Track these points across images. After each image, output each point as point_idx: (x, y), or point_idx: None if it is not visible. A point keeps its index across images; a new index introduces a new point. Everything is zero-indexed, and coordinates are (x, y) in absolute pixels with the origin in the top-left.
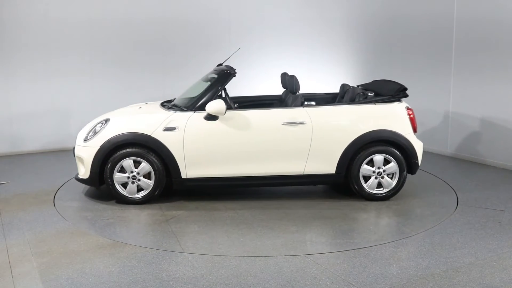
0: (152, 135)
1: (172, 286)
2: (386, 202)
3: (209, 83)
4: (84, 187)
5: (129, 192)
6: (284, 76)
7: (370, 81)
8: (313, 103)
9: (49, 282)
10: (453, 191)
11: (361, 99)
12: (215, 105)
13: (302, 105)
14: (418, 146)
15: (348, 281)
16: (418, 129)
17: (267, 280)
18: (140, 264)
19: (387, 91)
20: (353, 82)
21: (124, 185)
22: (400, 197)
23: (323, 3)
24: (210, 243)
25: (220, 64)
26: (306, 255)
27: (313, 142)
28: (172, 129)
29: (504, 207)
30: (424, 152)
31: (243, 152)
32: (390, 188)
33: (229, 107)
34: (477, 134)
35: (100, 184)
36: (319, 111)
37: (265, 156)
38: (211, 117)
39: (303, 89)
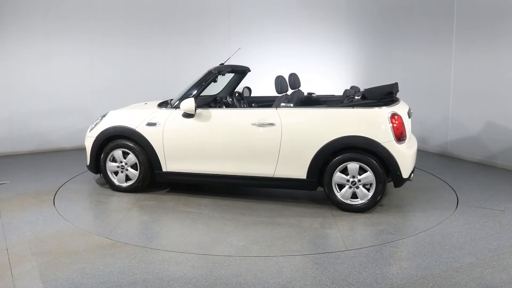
0: (137, 129)
1: (172, 286)
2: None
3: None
4: (83, 186)
5: (118, 180)
6: (289, 77)
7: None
8: (291, 104)
9: (49, 282)
10: (453, 191)
11: (347, 102)
12: (186, 104)
13: (278, 106)
14: (402, 156)
15: (348, 281)
16: (418, 129)
17: (267, 280)
18: (140, 264)
19: (374, 95)
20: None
21: (116, 173)
22: (400, 197)
23: None
24: (137, 233)
25: (222, 63)
26: (306, 255)
27: (282, 144)
28: (154, 124)
29: (504, 207)
30: (424, 152)
31: (215, 150)
32: (366, 199)
33: (220, 105)
34: (477, 134)
35: (99, 172)
36: (290, 113)
37: (236, 156)
38: (187, 115)
39: (321, 91)
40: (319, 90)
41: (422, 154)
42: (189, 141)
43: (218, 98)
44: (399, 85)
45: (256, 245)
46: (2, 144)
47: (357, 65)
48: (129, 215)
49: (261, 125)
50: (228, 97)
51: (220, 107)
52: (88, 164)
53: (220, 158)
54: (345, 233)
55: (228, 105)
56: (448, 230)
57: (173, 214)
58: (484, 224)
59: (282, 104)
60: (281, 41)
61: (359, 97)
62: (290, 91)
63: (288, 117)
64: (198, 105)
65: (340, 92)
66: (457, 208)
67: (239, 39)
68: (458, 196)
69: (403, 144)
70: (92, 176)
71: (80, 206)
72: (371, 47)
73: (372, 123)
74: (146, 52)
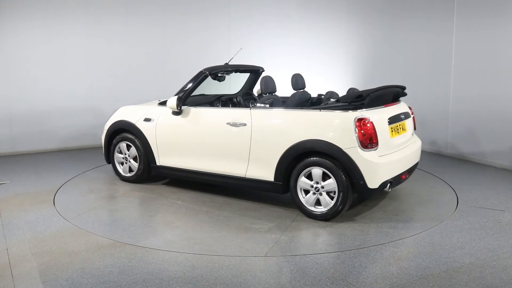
0: (136, 124)
1: (172, 286)
2: (365, 204)
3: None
4: (83, 186)
5: (123, 170)
6: (292, 77)
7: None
8: (268, 105)
9: (49, 282)
10: (453, 191)
11: (323, 104)
12: (170, 101)
13: (253, 106)
14: (368, 165)
15: (348, 281)
16: (418, 129)
17: (267, 280)
18: (140, 264)
19: (345, 98)
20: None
21: (123, 164)
22: (399, 197)
23: None
24: (95, 220)
25: (227, 63)
26: (306, 255)
27: (252, 145)
28: (149, 120)
29: (504, 207)
30: (424, 152)
31: (196, 148)
32: (328, 208)
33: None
34: (477, 134)
35: (110, 162)
36: (261, 114)
37: (212, 154)
38: (175, 113)
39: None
40: (324, 91)
41: (421, 153)
42: (176, 138)
43: (223, 97)
44: (398, 84)
45: (185, 241)
46: (2, 144)
47: (358, 60)
48: (106, 203)
49: (234, 124)
50: (238, 96)
51: (223, 106)
52: (103, 154)
53: (200, 156)
54: (283, 239)
55: (234, 105)
56: (448, 230)
57: (144, 206)
58: (484, 224)
59: (258, 104)
60: (283, 41)
61: (334, 100)
62: (292, 92)
63: (259, 117)
64: (198, 104)
65: (344, 93)
66: (457, 208)
67: (240, 38)
68: (458, 196)
69: (372, 151)
70: (92, 175)
71: (78, 204)
72: (371, 31)
73: (335, 128)
74: (146, 51)
